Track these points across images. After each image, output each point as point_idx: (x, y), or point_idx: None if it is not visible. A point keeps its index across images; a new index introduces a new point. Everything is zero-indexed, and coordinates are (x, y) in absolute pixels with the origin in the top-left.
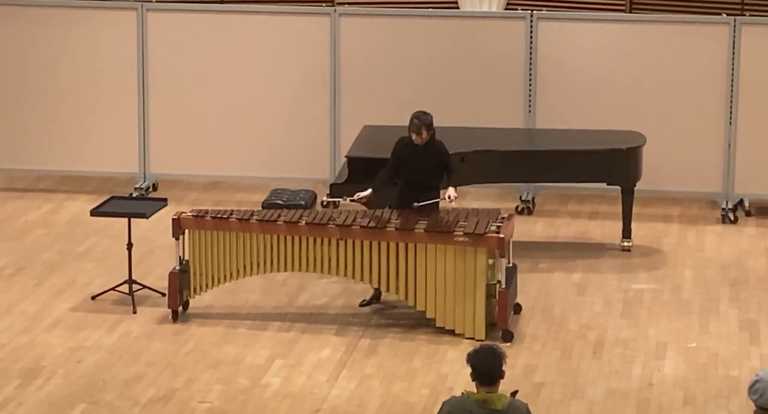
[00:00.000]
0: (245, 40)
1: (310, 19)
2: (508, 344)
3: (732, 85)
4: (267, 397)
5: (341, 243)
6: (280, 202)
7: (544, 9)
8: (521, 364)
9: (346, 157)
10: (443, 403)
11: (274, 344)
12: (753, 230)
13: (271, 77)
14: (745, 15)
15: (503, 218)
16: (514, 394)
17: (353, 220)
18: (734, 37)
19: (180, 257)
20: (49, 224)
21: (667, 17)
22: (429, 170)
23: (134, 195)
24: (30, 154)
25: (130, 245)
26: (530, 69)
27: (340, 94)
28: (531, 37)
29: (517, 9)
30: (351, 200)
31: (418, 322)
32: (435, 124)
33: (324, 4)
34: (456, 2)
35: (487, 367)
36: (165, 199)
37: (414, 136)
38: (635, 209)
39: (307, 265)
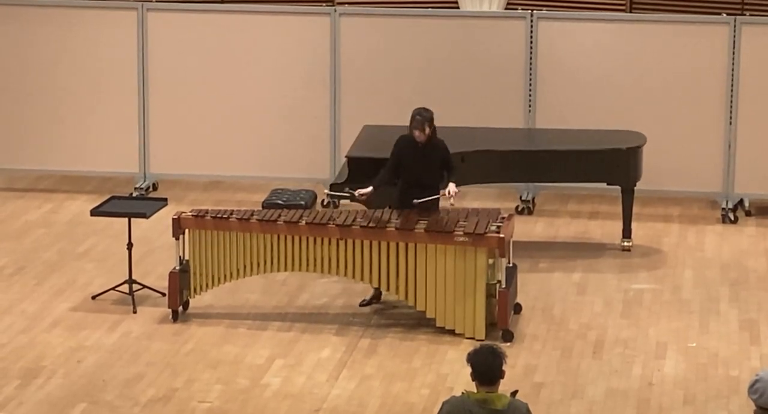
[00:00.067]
0: (245, 40)
1: (310, 19)
2: (508, 344)
3: (732, 85)
4: (267, 397)
5: (341, 243)
6: (280, 202)
7: (544, 9)
8: (521, 364)
9: (346, 156)
10: (443, 403)
11: (274, 344)
12: (753, 230)
13: (271, 77)
14: (745, 15)
15: (503, 218)
16: (514, 393)
17: (353, 220)
18: (734, 37)
19: (180, 257)
20: (49, 224)
21: (667, 17)
22: (429, 168)
23: (134, 195)
24: (30, 154)
25: (130, 245)
26: (530, 69)
27: (340, 94)
28: (531, 37)
29: (517, 9)
30: (354, 192)
31: (418, 322)
32: (435, 124)
33: (324, 4)
34: (456, 2)
35: (487, 366)
36: (165, 199)
37: (417, 133)
38: (635, 209)
39: (308, 264)
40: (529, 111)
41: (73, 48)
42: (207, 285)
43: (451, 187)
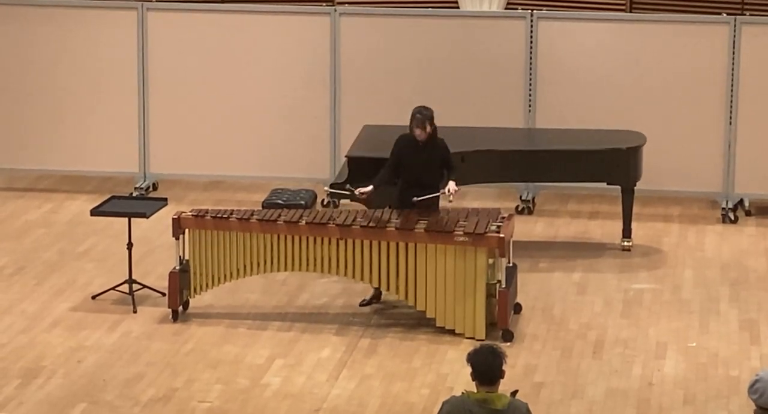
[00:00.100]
0: (245, 39)
1: (310, 19)
2: (508, 344)
3: (732, 85)
4: (267, 397)
5: (341, 243)
6: (280, 201)
7: (544, 8)
8: (521, 364)
9: (346, 156)
10: (443, 403)
11: (274, 344)
12: (753, 230)
13: (271, 77)
14: (745, 15)
15: (503, 218)
16: (514, 393)
17: (353, 220)
18: (734, 36)
19: (180, 257)
20: (49, 224)
21: (667, 17)
22: (429, 167)
23: (134, 195)
24: (30, 154)
25: (130, 245)
26: (530, 69)
27: (340, 94)
28: (531, 37)
29: (517, 8)
30: (354, 190)
31: (418, 322)
32: (435, 123)
33: (324, 4)
34: (456, 2)
35: (487, 366)
36: (165, 199)
37: (418, 132)
38: (635, 209)
39: (308, 264)
40: (529, 111)
41: (73, 48)
42: (207, 285)
43: (451, 185)
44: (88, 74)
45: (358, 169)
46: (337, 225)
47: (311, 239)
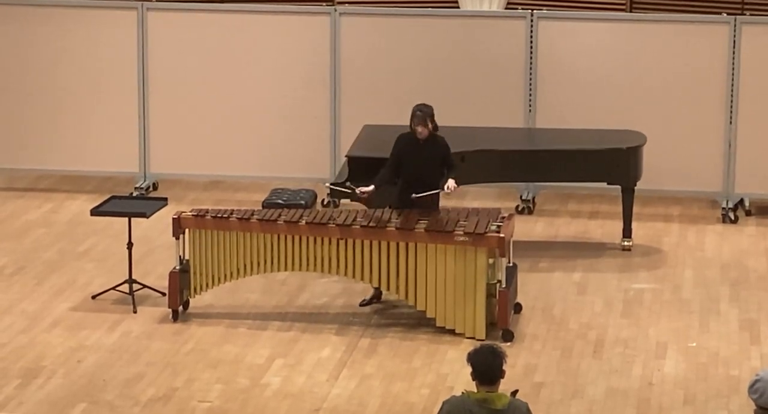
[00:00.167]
0: (245, 39)
1: (310, 19)
2: (509, 344)
3: (732, 85)
4: (267, 397)
5: (341, 242)
6: (280, 201)
7: (544, 8)
8: (521, 364)
9: (346, 156)
10: (443, 403)
11: (274, 344)
12: (753, 230)
13: (271, 77)
14: (745, 14)
15: (503, 218)
16: (514, 393)
17: (353, 220)
18: (734, 36)
19: (180, 257)
20: (49, 224)
21: (667, 17)
22: (430, 166)
23: (134, 194)
24: (30, 154)
25: (130, 245)
26: (530, 69)
27: (340, 94)
28: (531, 37)
29: (517, 8)
30: (356, 189)
31: (419, 322)
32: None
33: (324, 4)
34: (456, 2)
35: (487, 366)
36: (165, 199)
37: (419, 129)
38: (635, 209)
39: (308, 264)
40: (529, 111)
41: (73, 48)
42: (207, 285)
43: (451, 183)
44: (88, 74)
45: (358, 168)
46: (337, 225)
47: (311, 239)
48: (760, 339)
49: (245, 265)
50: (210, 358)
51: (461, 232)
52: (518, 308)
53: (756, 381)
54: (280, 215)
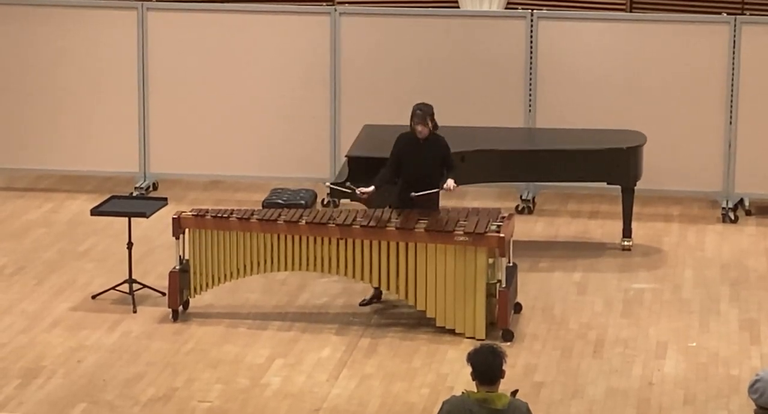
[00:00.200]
0: (245, 39)
1: (310, 18)
2: (509, 344)
3: (732, 85)
4: (267, 397)
5: (341, 242)
6: (280, 201)
7: (544, 8)
8: (521, 364)
9: (346, 156)
10: (443, 403)
11: (274, 344)
12: (753, 229)
13: (271, 77)
14: (745, 14)
15: (503, 217)
16: (514, 393)
17: (353, 220)
18: (734, 36)
19: (180, 256)
20: (49, 224)
21: (667, 17)
22: (430, 166)
23: (134, 194)
24: (30, 153)
25: (130, 245)
26: (530, 68)
27: (340, 94)
28: (531, 37)
29: (517, 8)
30: (356, 190)
31: (419, 322)
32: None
33: (324, 4)
34: (456, 1)
35: (487, 366)
36: (165, 199)
37: (419, 128)
38: (635, 208)
39: (308, 264)
40: (529, 111)
41: (73, 48)
42: (207, 284)
43: (450, 182)
44: (88, 74)
45: (358, 168)
46: (337, 225)
47: (311, 239)
48: (760, 339)
49: (245, 265)
50: (210, 358)
51: (461, 232)
52: (518, 308)
53: (756, 381)
54: (280, 215)
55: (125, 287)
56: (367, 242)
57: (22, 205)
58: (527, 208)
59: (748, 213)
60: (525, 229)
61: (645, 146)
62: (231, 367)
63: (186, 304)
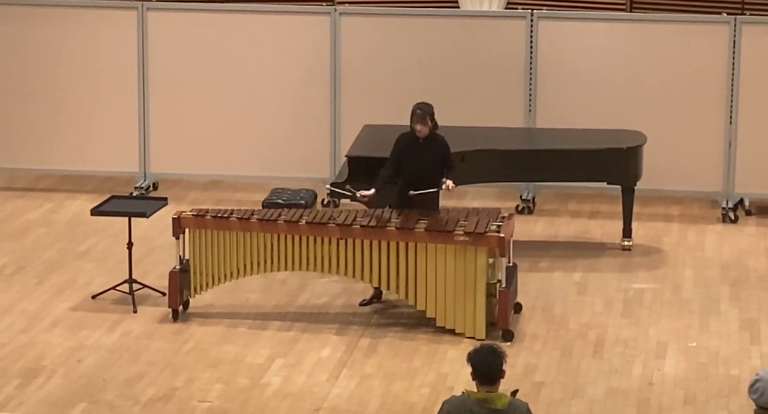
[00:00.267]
0: (245, 39)
1: (310, 18)
2: (509, 343)
3: (732, 85)
4: (267, 397)
5: (341, 242)
6: (280, 201)
7: (544, 8)
8: (521, 364)
9: (346, 156)
10: (443, 403)
11: (274, 343)
12: (753, 229)
13: (271, 77)
14: (745, 14)
15: (503, 217)
16: (514, 393)
17: (353, 220)
18: (734, 36)
19: (180, 256)
20: (49, 223)
21: (668, 17)
22: (430, 165)
23: (134, 194)
24: (30, 153)
25: (130, 244)
26: (530, 68)
27: (340, 94)
28: (531, 37)
29: (517, 8)
30: (356, 193)
31: (419, 322)
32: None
33: (324, 4)
34: (456, 1)
35: (487, 366)
36: (165, 199)
37: (419, 127)
38: (635, 208)
39: (308, 264)
40: (529, 110)
41: (73, 48)
42: (207, 284)
43: (449, 182)
44: (88, 74)
45: (358, 168)
46: (337, 224)
47: (311, 239)
48: (760, 339)
49: (245, 265)
50: (210, 358)
51: (461, 232)
52: (518, 308)
53: (756, 381)
54: (280, 215)
55: (125, 287)
56: (367, 242)
57: (22, 205)
58: (527, 208)
59: (748, 213)
60: (525, 229)
61: (645, 146)
62: (231, 367)
63: (186, 304)
